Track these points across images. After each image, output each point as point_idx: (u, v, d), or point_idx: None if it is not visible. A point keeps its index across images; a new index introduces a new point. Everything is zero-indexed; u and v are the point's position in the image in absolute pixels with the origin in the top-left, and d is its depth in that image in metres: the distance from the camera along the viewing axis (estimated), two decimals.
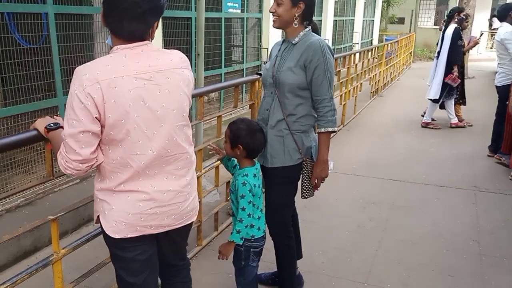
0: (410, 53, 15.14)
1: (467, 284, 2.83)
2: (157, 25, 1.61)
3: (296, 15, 2.27)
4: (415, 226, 3.59)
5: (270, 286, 2.75)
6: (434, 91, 6.39)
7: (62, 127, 1.68)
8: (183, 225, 1.76)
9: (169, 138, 1.59)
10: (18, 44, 3.53)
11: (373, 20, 16.09)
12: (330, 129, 2.30)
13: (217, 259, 2.40)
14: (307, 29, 2.34)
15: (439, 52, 6.42)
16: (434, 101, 6.48)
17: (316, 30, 2.49)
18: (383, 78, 9.86)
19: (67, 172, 1.55)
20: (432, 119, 6.78)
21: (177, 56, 1.64)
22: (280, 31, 7.80)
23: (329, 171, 2.38)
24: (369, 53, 8.71)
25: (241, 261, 2.33)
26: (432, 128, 6.63)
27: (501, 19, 5.22)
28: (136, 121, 1.50)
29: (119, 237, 1.63)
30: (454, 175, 4.75)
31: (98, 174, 1.66)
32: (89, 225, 3.55)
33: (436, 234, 3.45)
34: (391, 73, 10.91)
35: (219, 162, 3.34)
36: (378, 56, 9.46)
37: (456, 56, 6.18)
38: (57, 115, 2.21)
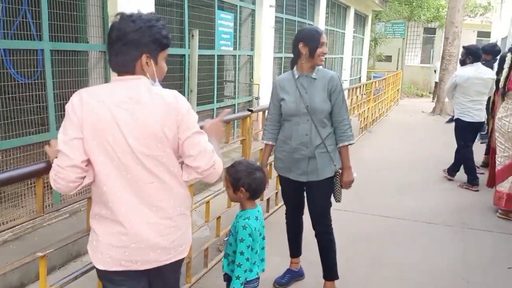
0: (398, 90, 15.49)
1: None
2: (150, 60, 1.66)
3: None
4: (404, 262, 3.60)
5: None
6: None
7: None
8: (171, 261, 1.75)
9: (142, 165, 1.64)
10: (12, 78, 3.58)
11: (361, 58, 16.50)
12: (352, 142, 2.86)
13: None
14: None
15: None
16: None
17: None
18: (372, 114, 10.04)
19: (57, 185, 1.62)
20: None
21: (166, 97, 1.66)
22: (271, 68, 8.00)
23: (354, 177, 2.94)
24: (358, 89, 8.91)
25: None
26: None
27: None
28: (109, 143, 1.60)
29: (103, 268, 1.68)
30: (442, 211, 4.80)
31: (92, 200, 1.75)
32: (77, 261, 3.50)
33: (425, 271, 3.46)
34: (379, 109, 11.12)
35: (210, 197, 3.36)
36: (366, 92, 9.67)
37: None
38: None
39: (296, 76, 2.84)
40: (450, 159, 6.73)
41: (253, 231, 2.21)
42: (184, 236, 1.78)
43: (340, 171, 2.89)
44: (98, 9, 4.08)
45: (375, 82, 10.84)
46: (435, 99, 15.47)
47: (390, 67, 19.43)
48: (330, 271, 3.01)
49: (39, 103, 3.62)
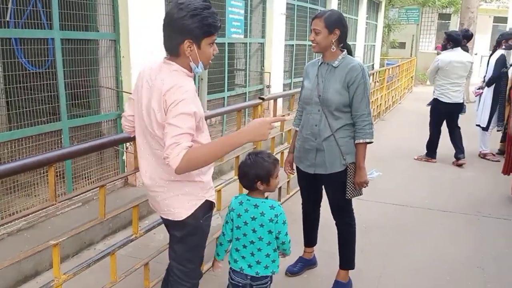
0: (412, 77, 15.26)
1: None
2: (193, 45, 1.81)
3: (333, 40, 2.59)
4: (419, 252, 3.55)
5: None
6: (483, 119, 6.33)
7: None
8: (167, 217, 2.00)
9: (150, 135, 1.89)
10: (24, 68, 3.59)
11: (374, 45, 16.28)
12: (367, 140, 2.65)
13: (219, 285, 2.39)
14: (344, 52, 2.66)
15: (485, 77, 6.40)
16: (483, 129, 6.36)
17: (350, 51, 2.74)
18: (385, 102, 9.92)
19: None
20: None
21: (165, 85, 1.78)
22: (283, 55, 7.92)
23: (370, 178, 2.75)
24: (371, 77, 8.79)
25: None
26: (489, 159, 6.34)
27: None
28: (140, 108, 1.90)
29: None
30: (457, 200, 4.73)
31: None
32: (90, 249, 3.53)
33: (440, 260, 3.42)
34: (392, 97, 10.97)
35: (221, 185, 3.34)
36: (379, 80, 9.54)
37: (500, 82, 6.16)
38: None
39: (319, 63, 2.75)
40: (464, 147, 6.66)
41: (231, 211, 2.28)
42: (176, 200, 1.94)
43: (354, 166, 2.71)
44: None
45: (388, 69, 10.68)
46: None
47: (404, 54, 19.15)
48: (346, 261, 2.96)
49: (50, 92, 3.62)
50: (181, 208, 1.95)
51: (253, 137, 1.81)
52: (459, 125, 6.13)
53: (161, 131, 1.81)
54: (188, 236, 2.01)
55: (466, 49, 6.24)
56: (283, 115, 2.26)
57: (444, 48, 6.03)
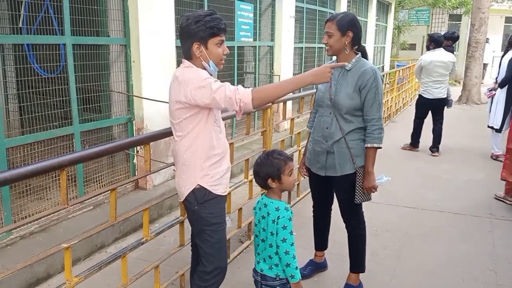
0: None
1: None
2: (201, 46, 2.07)
3: (346, 43, 2.59)
4: (430, 254, 3.52)
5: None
6: (496, 120, 6.23)
7: None
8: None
9: (171, 121, 2.21)
10: (36, 73, 3.64)
11: (384, 47, 16.20)
12: (375, 145, 2.64)
13: None
14: (357, 55, 2.65)
15: (497, 79, 6.32)
16: (496, 130, 6.27)
17: (365, 52, 2.74)
18: (395, 103, 9.86)
19: None
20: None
21: (179, 77, 2.11)
22: (292, 58, 7.92)
23: (379, 183, 2.75)
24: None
25: None
26: (501, 161, 5.99)
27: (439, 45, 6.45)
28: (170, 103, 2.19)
29: None
30: (468, 202, 4.68)
31: None
32: (101, 252, 3.56)
33: (452, 263, 3.38)
34: (403, 98, 10.90)
35: (231, 188, 3.35)
36: (390, 82, 9.49)
37: None
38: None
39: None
40: (475, 148, 6.60)
41: (254, 208, 2.35)
42: (179, 183, 2.23)
43: (363, 170, 2.70)
44: (119, 3, 4.10)
45: (399, 71, 10.61)
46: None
47: (414, 55, 19.02)
48: (356, 264, 2.94)
49: (62, 97, 3.66)
50: (183, 189, 2.21)
51: (315, 78, 2.07)
52: (445, 118, 6.77)
53: (175, 117, 2.14)
54: (193, 220, 2.28)
55: (451, 50, 6.90)
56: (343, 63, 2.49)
57: (428, 48, 6.62)
